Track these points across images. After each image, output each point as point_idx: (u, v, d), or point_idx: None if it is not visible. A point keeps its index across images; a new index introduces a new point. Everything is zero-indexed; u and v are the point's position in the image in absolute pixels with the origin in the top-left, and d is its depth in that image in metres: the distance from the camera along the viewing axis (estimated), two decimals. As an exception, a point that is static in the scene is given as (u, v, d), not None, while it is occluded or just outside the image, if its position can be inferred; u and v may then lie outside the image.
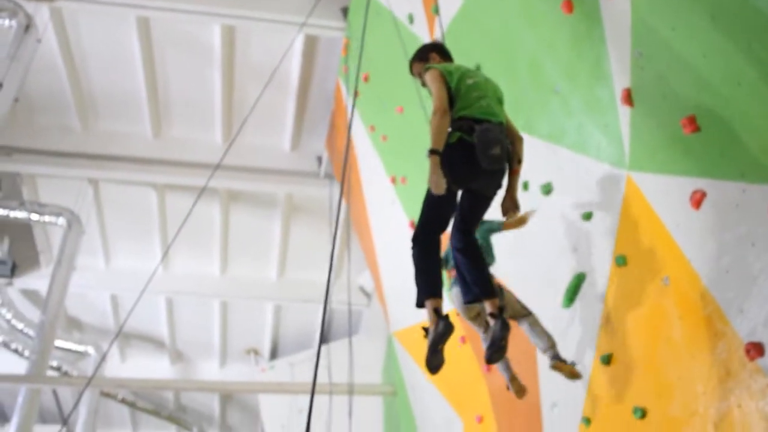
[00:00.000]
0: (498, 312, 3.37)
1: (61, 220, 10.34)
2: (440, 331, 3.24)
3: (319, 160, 10.53)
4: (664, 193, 3.33)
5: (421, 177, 6.12)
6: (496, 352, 3.34)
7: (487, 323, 3.47)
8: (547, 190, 4.33)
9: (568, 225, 4.16)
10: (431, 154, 3.27)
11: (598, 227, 3.88)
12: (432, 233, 3.48)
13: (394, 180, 7.12)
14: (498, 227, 5.80)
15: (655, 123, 3.35)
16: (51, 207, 10.38)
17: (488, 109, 3.49)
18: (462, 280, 3.57)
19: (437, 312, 3.32)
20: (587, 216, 3.93)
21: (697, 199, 3.05)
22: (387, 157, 7.31)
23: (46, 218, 10.38)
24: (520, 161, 3.57)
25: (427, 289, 3.38)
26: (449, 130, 3.40)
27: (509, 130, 3.57)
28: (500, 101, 3.62)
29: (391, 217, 7.37)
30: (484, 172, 3.40)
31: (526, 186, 4.52)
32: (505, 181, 3.54)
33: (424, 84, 3.80)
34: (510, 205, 3.59)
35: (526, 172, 4.55)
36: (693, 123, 3.03)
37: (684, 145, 3.14)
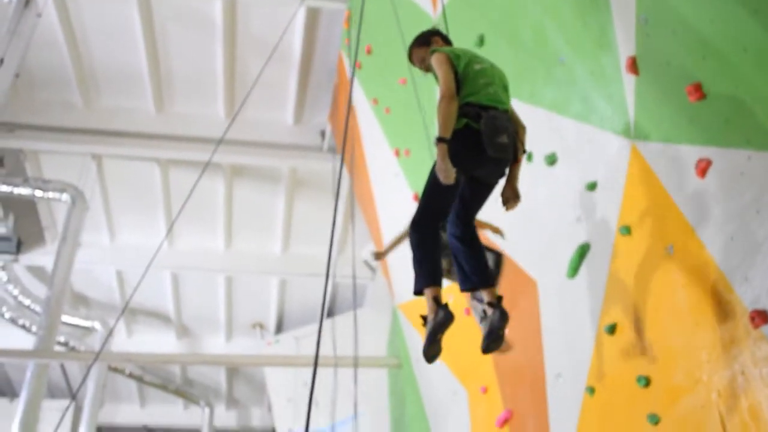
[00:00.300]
0: (496, 301, 3.35)
1: (65, 197, 10.34)
2: (440, 320, 3.21)
3: (323, 134, 10.49)
4: (668, 162, 3.31)
5: (425, 150, 6.12)
6: (493, 341, 3.32)
7: (484, 312, 3.43)
8: (552, 160, 4.31)
9: (572, 195, 4.15)
10: (439, 142, 3.20)
11: (602, 197, 3.86)
12: (433, 220, 3.43)
13: (397, 153, 7.10)
14: None
15: (660, 91, 3.32)
16: (55, 183, 10.38)
17: (495, 96, 3.43)
18: (459, 269, 3.52)
19: (437, 300, 3.28)
20: (591, 186, 3.92)
21: (703, 168, 3.03)
22: (390, 129, 7.29)
23: (50, 194, 10.38)
24: (523, 151, 3.52)
25: (427, 277, 3.36)
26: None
27: (513, 118, 3.53)
28: (506, 89, 3.58)
29: (395, 189, 7.36)
30: (489, 159, 3.33)
31: (530, 157, 4.50)
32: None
33: (427, 69, 3.76)
34: (510, 195, 3.51)
35: (530, 142, 4.53)
36: (699, 90, 3.00)
37: (689, 113, 3.11)
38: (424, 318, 3.33)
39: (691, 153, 3.11)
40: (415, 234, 3.43)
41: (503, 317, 3.30)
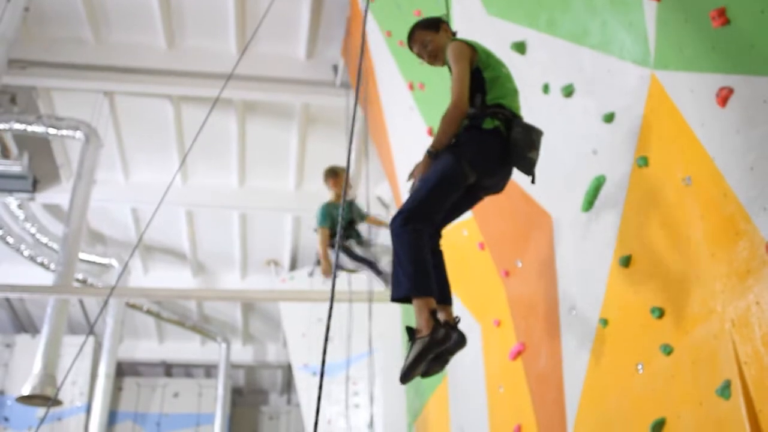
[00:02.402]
0: (455, 323, 3.07)
1: (79, 134, 10.35)
2: (442, 339, 2.84)
3: (335, 68, 10.36)
4: (689, 92, 3.23)
5: (440, 83, 6.02)
6: (440, 366, 3.01)
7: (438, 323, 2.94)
8: (569, 91, 4.23)
9: (589, 127, 4.09)
10: (428, 155, 3.02)
11: (619, 129, 3.80)
12: (431, 217, 3.09)
13: (411, 86, 7.00)
14: (362, 217, 6.33)
15: (682, 17, 3.22)
16: (68, 121, 10.38)
17: (519, 106, 3.29)
18: (395, 278, 3.05)
19: (434, 315, 2.91)
20: (609, 118, 3.85)
21: (724, 96, 2.96)
22: (404, 62, 7.17)
23: (64, 132, 10.39)
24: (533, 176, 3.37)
25: (422, 285, 2.94)
26: (480, 113, 3.17)
27: None
28: None
29: (409, 124, 7.29)
30: (508, 171, 3.20)
31: (546, 89, 4.42)
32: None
33: (430, 57, 3.51)
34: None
35: (547, 73, 4.46)
36: (723, 15, 2.91)
37: (712, 40, 3.02)
38: (412, 331, 2.92)
39: (713, 81, 3.04)
40: (407, 229, 3.00)
41: (462, 342, 2.98)
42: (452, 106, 3.12)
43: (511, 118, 3.23)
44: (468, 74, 3.18)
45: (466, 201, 3.39)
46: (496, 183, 3.34)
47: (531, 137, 3.23)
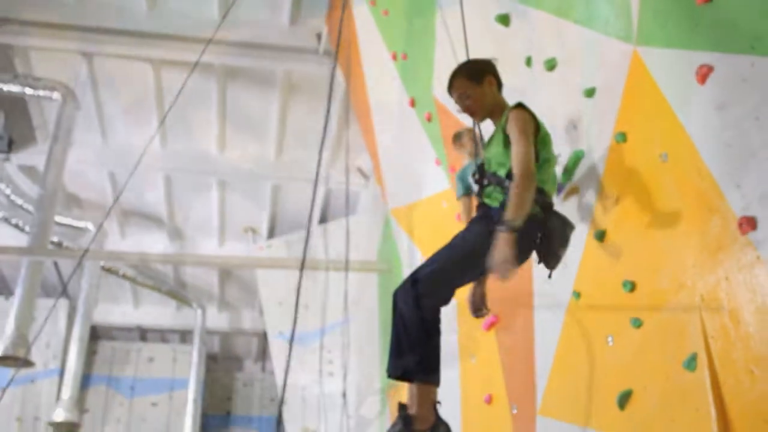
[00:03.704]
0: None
1: (56, 95, 10.19)
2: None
3: (319, 36, 10.26)
4: (669, 68, 3.26)
5: (422, 54, 6.00)
6: None
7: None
8: (551, 65, 4.24)
9: (569, 101, 4.10)
10: (510, 230, 2.70)
11: (599, 104, 3.82)
12: (449, 293, 2.89)
13: (395, 56, 6.97)
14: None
15: (666, -7, 3.23)
16: (45, 81, 10.21)
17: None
18: (398, 352, 2.83)
19: (435, 407, 2.75)
20: (589, 92, 3.87)
21: (704, 74, 2.99)
22: (388, 32, 7.13)
23: (41, 92, 10.22)
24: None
25: (429, 370, 2.78)
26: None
27: None
28: None
29: (391, 94, 7.27)
30: (526, 258, 3.03)
31: (528, 62, 4.43)
32: None
33: (470, 111, 3.23)
34: (481, 303, 3.29)
35: (530, 46, 4.46)
36: (706, -8, 2.93)
37: (695, 17, 3.04)
38: (403, 408, 2.75)
39: (693, 59, 3.06)
40: (422, 305, 2.79)
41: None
42: (523, 175, 2.89)
43: (549, 206, 3.12)
44: (532, 146, 2.99)
45: (475, 279, 3.27)
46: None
47: (567, 233, 3.11)
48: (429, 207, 6.45)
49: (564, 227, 3.15)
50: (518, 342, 4.66)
